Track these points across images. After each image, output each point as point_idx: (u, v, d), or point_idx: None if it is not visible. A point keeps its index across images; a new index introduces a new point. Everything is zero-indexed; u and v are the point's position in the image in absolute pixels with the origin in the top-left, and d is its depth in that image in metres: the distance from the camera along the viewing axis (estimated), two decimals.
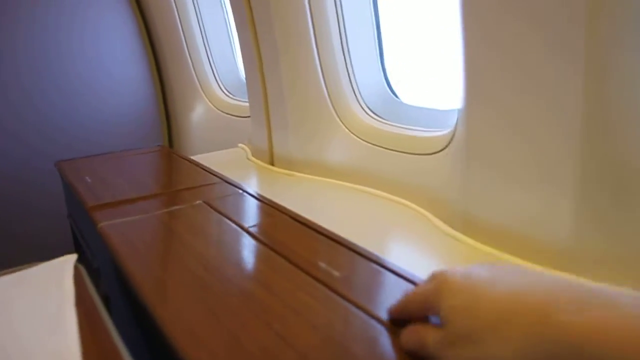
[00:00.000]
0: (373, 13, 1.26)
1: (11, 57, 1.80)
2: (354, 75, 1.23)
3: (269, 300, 0.55)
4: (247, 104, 1.56)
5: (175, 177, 1.17)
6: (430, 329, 0.43)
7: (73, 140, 1.86)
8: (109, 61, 1.97)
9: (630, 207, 0.65)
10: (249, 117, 1.50)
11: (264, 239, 0.72)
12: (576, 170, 0.66)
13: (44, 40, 1.85)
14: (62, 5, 1.87)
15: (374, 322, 0.49)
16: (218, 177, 1.06)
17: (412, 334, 0.45)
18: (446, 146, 0.97)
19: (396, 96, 1.26)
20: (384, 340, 0.47)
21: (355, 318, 0.50)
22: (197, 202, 0.90)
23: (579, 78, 0.62)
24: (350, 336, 0.47)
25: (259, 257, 0.67)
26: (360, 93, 1.23)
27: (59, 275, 0.70)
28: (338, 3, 1.19)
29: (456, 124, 0.93)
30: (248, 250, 0.69)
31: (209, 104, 1.88)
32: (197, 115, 1.91)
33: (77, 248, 1.32)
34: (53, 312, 0.60)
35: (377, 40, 1.26)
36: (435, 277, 0.45)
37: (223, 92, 1.89)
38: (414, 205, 1.00)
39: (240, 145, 1.57)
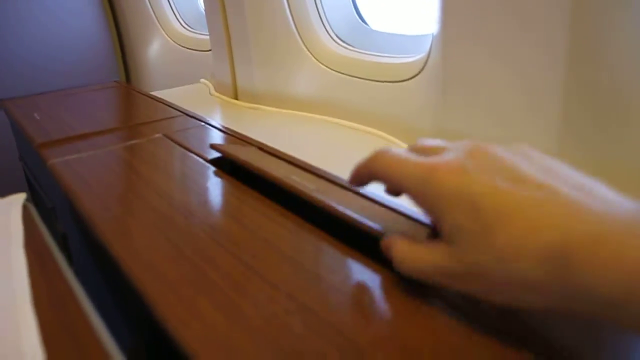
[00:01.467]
0: None
1: None
2: (321, 1, 1.15)
3: (239, 232, 0.50)
4: (207, 38, 1.47)
5: (133, 112, 1.09)
6: (423, 248, 0.36)
7: (17, 79, 1.72)
8: None
9: (609, 130, 0.62)
10: (209, 51, 1.41)
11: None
12: (560, 97, 0.63)
13: None
14: None
15: (349, 251, 0.46)
16: (179, 110, 1.00)
17: (398, 251, 0.38)
18: (419, 72, 0.92)
19: (365, 23, 1.20)
20: (360, 267, 0.43)
21: (328, 247, 0.47)
22: (157, 135, 0.84)
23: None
24: (323, 265, 0.44)
25: (226, 190, 0.62)
26: (328, 21, 1.16)
27: (4, 215, 0.64)
28: None
29: (430, 48, 0.88)
30: (213, 183, 0.64)
31: (167, 37, 1.76)
32: (154, 50, 1.80)
33: (32, 190, 1.24)
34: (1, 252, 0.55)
35: None
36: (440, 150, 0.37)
37: (181, 24, 1.78)
38: (386, 135, 0.96)
39: (202, 80, 1.49)
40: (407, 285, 0.40)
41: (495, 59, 0.71)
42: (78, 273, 0.54)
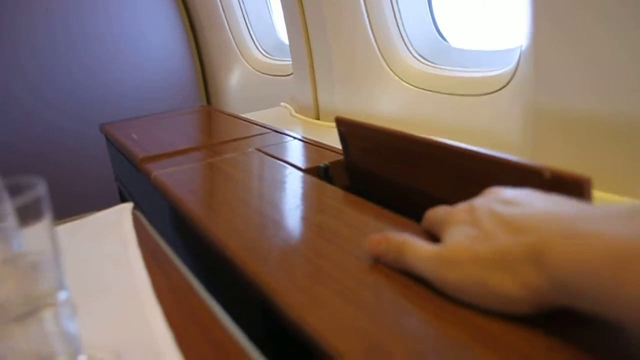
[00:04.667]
0: None
1: (49, 27, 1.80)
2: (402, 21, 1.17)
3: (346, 231, 0.51)
4: (286, 63, 1.52)
5: (223, 131, 1.14)
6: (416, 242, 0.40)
7: (114, 108, 1.86)
8: (146, 28, 1.95)
9: None
10: (288, 75, 1.46)
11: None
12: None
13: (83, 10, 1.84)
14: None
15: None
16: (267, 128, 1.03)
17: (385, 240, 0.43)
18: (506, 84, 0.91)
19: (445, 40, 1.20)
20: None
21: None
22: (250, 149, 0.87)
23: None
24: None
25: (324, 194, 0.64)
26: (409, 39, 1.18)
27: (117, 220, 0.68)
28: None
29: (518, 61, 0.88)
30: (311, 188, 0.66)
31: (247, 65, 1.84)
32: (235, 78, 1.88)
33: None
34: (117, 253, 0.58)
35: None
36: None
37: (261, 52, 1.85)
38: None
39: (282, 104, 1.53)
40: None
41: (588, 65, 0.69)
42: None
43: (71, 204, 1.77)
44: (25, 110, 1.80)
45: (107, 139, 1.28)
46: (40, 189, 0.33)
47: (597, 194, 0.72)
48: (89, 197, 1.78)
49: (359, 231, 0.51)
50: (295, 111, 1.42)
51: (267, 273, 0.45)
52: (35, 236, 0.36)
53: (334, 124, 1.17)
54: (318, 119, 1.31)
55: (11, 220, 0.40)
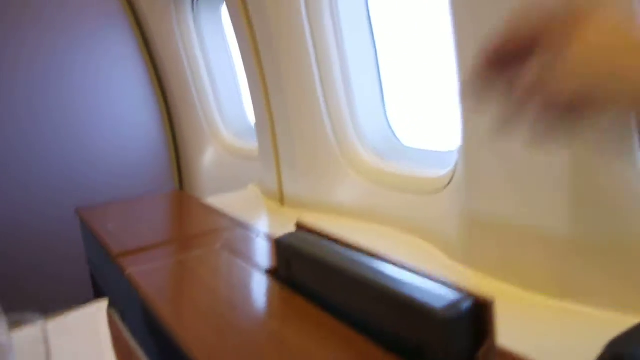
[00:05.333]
0: (374, 60, 1.34)
1: (27, 105, 1.88)
2: (358, 118, 1.30)
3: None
4: (255, 147, 1.63)
5: (193, 221, 1.23)
6: None
7: (90, 183, 1.93)
8: (121, 108, 2.06)
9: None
10: (257, 159, 1.57)
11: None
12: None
13: (58, 89, 1.94)
14: (76, 55, 1.96)
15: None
16: (234, 221, 1.13)
17: None
18: (447, 184, 1.03)
19: (397, 139, 1.33)
20: None
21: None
22: (217, 245, 0.96)
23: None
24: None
25: (278, 297, 0.73)
26: (364, 136, 1.31)
27: (94, 321, 0.75)
28: (342, 52, 1.27)
29: (455, 164, 1.00)
30: (267, 290, 0.75)
31: (218, 147, 1.96)
32: (207, 159, 1.99)
33: (96, 291, 1.37)
34: (95, 355, 0.66)
35: (378, 85, 1.34)
36: None
37: (231, 135, 1.97)
38: (417, 239, 1.06)
39: (250, 186, 1.64)
40: None
41: (512, 179, 0.82)
42: None
43: (43, 286, 1.81)
44: None
45: (81, 223, 1.35)
46: None
47: (520, 292, 0.83)
48: (61, 279, 1.82)
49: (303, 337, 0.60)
50: (262, 193, 1.53)
51: None
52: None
53: (296, 211, 1.27)
54: (282, 204, 1.42)
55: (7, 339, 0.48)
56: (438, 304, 0.52)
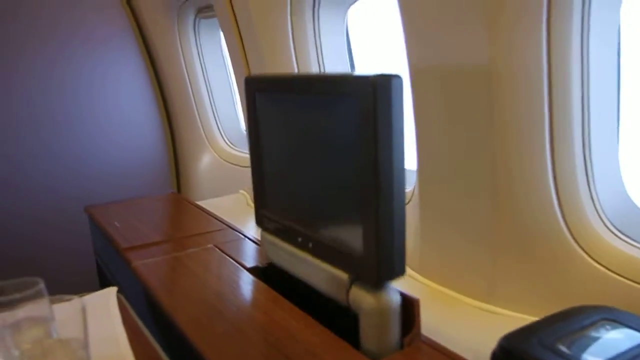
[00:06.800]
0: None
1: (45, 111, 2.07)
2: None
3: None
4: (247, 155, 1.81)
5: (189, 222, 1.41)
6: None
7: (96, 184, 2.14)
8: (126, 117, 2.27)
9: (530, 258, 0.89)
10: (249, 166, 1.75)
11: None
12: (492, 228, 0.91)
13: (66, 98, 2.13)
14: (82, 65, 2.15)
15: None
16: (224, 223, 1.30)
17: None
18: (408, 202, 1.21)
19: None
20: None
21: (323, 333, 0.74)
22: (209, 245, 1.13)
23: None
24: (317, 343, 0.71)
25: (259, 292, 0.91)
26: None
27: (107, 303, 0.93)
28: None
29: (416, 182, 1.17)
30: (251, 285, 0.93)
31: (214, 154, 2.13)
32: (203, 164, 2.17)
33: (102, 280, 1.54)
34: (108, 333, 0.83)
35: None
36: None
37: (226, 143, 2.15)
38: None
39: (241, 191, 1.81)
40: None
41: (457, 193, 1.00)
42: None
43: (53, 275, 1.99)
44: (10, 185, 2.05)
45: (90, 220, 1.52)
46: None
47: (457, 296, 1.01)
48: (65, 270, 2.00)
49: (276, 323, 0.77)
50: (251, 199, 1.70)
51: (214, 351, 0.71)
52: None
53: None
54: None
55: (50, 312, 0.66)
56: None
